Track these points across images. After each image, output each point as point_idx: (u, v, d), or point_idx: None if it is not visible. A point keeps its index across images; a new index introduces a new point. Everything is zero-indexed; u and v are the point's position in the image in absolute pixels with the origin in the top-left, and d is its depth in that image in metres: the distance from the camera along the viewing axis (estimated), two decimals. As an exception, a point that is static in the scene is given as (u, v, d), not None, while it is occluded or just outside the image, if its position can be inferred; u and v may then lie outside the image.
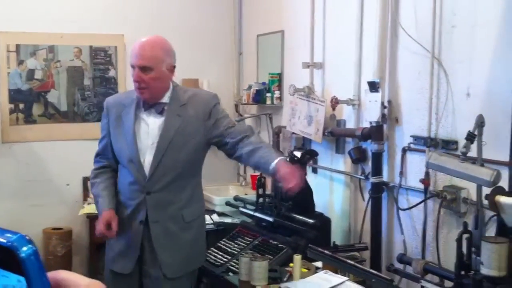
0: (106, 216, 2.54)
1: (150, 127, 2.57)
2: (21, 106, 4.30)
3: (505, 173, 2.36)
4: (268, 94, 4.24)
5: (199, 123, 2.57)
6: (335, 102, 3.45)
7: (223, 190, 4.60)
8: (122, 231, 2.62)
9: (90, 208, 4.07)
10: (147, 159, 2.55)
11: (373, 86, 3.12)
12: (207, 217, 3.85)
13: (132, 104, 2.60)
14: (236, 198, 3.76)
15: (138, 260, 2.61)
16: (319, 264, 2.79)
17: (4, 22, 4.18)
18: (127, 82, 4.45)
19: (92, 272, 4.07)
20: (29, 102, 4.32)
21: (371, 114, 3.18)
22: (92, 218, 4.07)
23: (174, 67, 2.57)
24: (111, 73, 4.50)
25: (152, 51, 2.49)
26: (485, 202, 2.04)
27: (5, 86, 4.23)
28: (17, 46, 4.25)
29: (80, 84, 4.44)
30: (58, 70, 4.36)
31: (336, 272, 2.61)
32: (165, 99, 2.58)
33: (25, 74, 4.29)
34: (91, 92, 4.47)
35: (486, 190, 2.06)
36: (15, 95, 4.27)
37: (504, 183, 2.18)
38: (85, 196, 4.32)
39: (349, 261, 2.44)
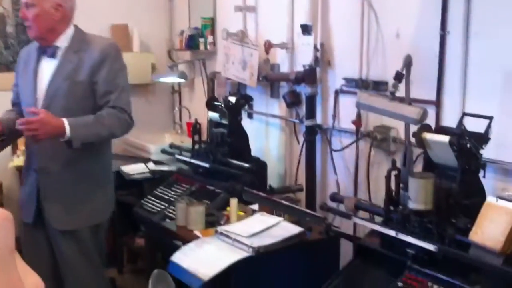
0: None
1: (44, 72, 2.54)
2: None
3: (432, 112, 2.45)
4: (201, 40, 4.16)
5: (90, 71, 2.49)
6: (268, 46, 3.43)
7: (159, 139, 4.54)
8: (25, 179, 2.64)
9: (20, 161, 3.93)
10: (39, 104, 2.51)
11: (306, 29, 3.11)
12: (141, 165, 3.82)
13: (36, 50, 2.57)
14: (172, 146, 3.73)
15: (39, 210, 2.58)
16: (255, 207, 2.83)
17: None
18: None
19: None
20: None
21: (304, 58, 3.19)
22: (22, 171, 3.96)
23: (61, 6, 2.49)
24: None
25: None
26: (413, 140, 2.11)
27: None
28: None
29: (3, 32, 4.21)
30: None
31: (272, 213, 2.66)
32: (59, 42, 2.53)
33: None
34: (14, 40, 4.25)
35: (413, 128, 2.12)
36: None
37: (431, 121, 2.26)
38: (14, 148, 4.16)
39: (283, 201, 2.49)
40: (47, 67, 2.53)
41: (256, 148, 3.52)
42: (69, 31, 2.55)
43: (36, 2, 2.44)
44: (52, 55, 2.52)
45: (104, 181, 2.70)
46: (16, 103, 2.70)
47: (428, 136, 2.01)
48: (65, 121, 2.37)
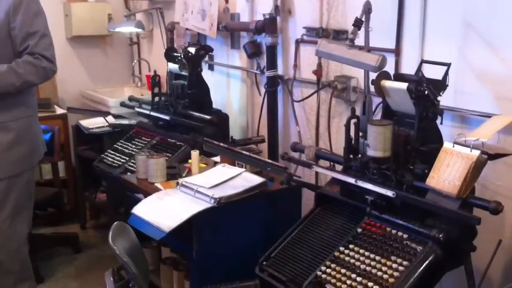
0: None
1: None
2: None
3: (391, 60, 2.45)
4: (159, -12, 4.05)
5: (5, 16, 2.47)
6: (228, -5, 3.35)
7: (118, 92, 4.46)
8: None
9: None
10: None
11: (266, -23, 3.05)
12: (100, 119, 3.75)
13: None
14: (131, 99, 3.65)
15: None
16: (217, 159, 2.82)
17: None
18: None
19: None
20: None
21: (264, 6, 3.14)
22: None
23: None
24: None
25: None
26: (373, 88, 2.10)
27: None
28: None
29: None
30: None
31: (233, 165, 2.65)
32: None
33: None
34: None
35: (373, 77, 2.11)
36: None
37: (390, 70, 2.25)
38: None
39: (244, 152, 2.48)
40: None
41: (217, 100, 3.48)
42: None
43: None
44: None
45: (31, 128, 2.67)
46: None
47: (387, 83, 2.01)
48: None
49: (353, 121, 2.08)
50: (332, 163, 2.27)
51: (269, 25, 3.08)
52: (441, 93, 1.96)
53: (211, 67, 3.81)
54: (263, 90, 3.30)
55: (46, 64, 2.53)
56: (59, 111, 4.15)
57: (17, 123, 2.62)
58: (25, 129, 2.66)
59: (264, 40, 3.15)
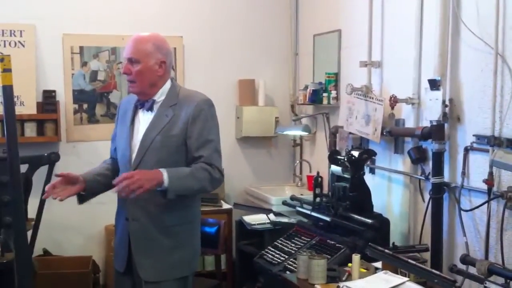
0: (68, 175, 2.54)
1: (141, 124, 2.58)
2: (85, 106, 4.51)
3: None
4: (325, 94, 4.22)
5: (183, 125, 2.51)
6: (394, 101, 3.40)
7: (279, 190, 4.62)
8: (117, 228, 2.68)
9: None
10: (133, 156, 2.55)
11: (434, 84, 3.06)
12: (263, 216, 3.88)
13: (134, 102, 2.64)
14: (293, 198, 3.76)
15: (129, 259, 2.57)
16: (378, 264, 2.75)
17: (68, 25, 4.38)
18: (185, 83, 4.54)
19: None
20: (92, 103, 4.52)
21: (431, 113, 3.12)
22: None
23: (164, 62, 2.53)
24: (171, 74, 4.56)
25: (141, 44, 2.51)
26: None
27: (69, 87, 4.44)
28: (81, 48, 4.46)
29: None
30: (119, 71, 4.50)
31: (396, 272, 2.57)
32: (157, 96, 2.56)
33: (88, 75, 4.49)
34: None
35: (555, 190, 1.97)
36: (79, 96, 4.49)
37: None
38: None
39: (410, 261, 2.40)
40: (143, 120, 2.57)
41: (378, 204, 3.44)
42: (167, 85, 2.59)
43: (141, 59, 2.49)
44: (149, 109, 2.56)
45: (192, 233, 2.65)
46: (114, 157, 2.76)
47: None
48: (163, 170, 2.39)
49: (533, 236, 1.93)
50: (507, 280, 2.11)
51: (436, 131, 3.05)
52: None
53: (372, 171, 3.82)
54: (427, 197, 3.21)
55: (218, 175, 2.53)
56: (225, 206, 4.38)
57: (188, 225, 2.61)
58: (192, 230, 2.64)
59: (430, 146, 3.11)
